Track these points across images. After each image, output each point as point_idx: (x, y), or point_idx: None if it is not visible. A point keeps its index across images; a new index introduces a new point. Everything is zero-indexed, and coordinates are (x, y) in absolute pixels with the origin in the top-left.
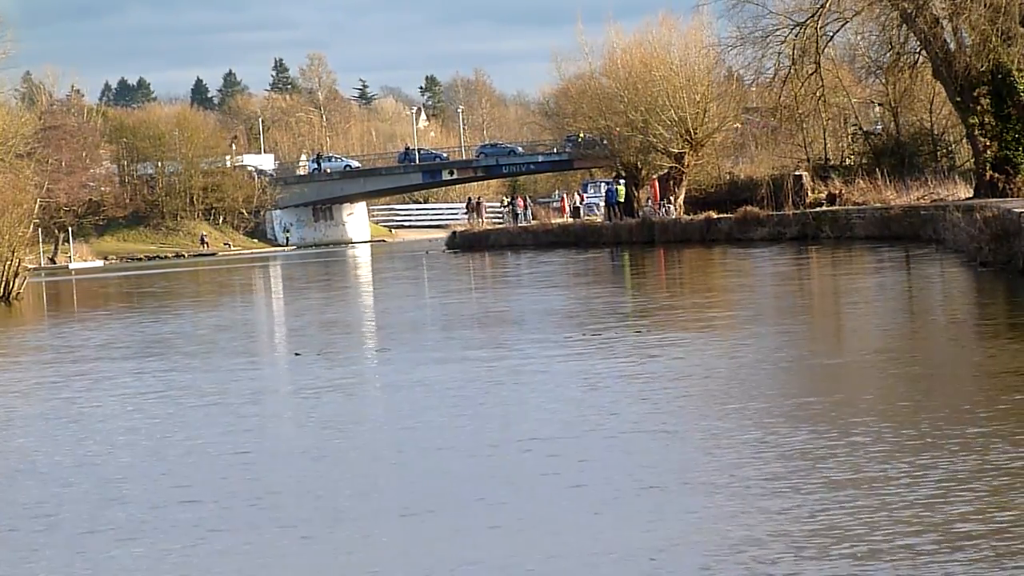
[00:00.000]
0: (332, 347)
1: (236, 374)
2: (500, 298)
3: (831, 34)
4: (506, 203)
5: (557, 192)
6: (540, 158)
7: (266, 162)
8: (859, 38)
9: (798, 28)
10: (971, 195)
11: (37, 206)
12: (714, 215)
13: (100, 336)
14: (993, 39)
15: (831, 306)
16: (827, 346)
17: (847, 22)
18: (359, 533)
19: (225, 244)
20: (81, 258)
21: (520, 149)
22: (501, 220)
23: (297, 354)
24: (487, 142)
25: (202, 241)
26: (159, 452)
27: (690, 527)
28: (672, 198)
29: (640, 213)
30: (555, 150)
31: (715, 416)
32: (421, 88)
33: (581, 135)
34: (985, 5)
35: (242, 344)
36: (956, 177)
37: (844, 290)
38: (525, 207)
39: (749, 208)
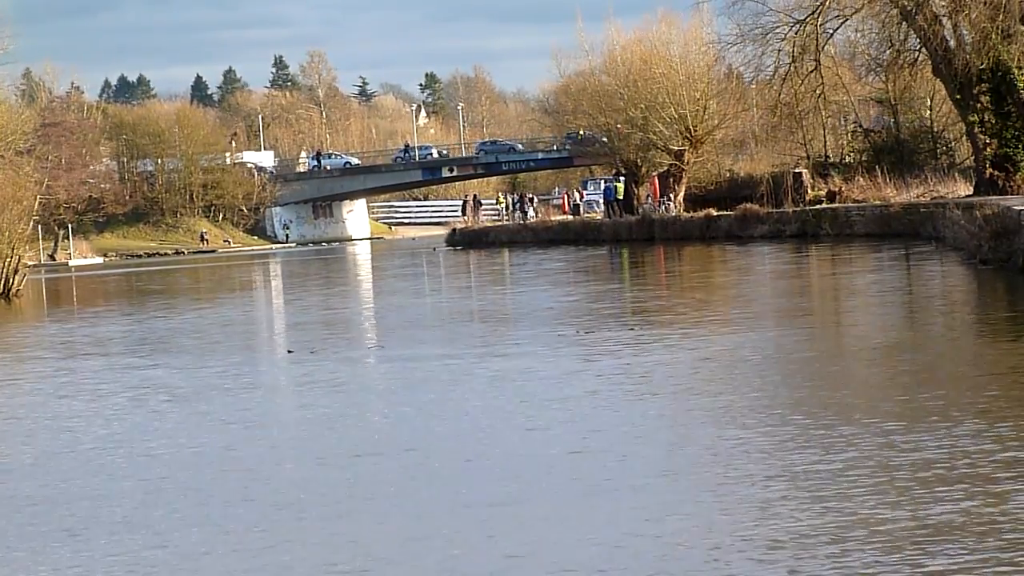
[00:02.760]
0: (326, 345)
1: (216, 371)
2: (499, 296)
3: (831, 31)
4: (514, 200)
5: (557, 190)
6: (540, 155)
7: (266, 159)
8: (859, 35)
9: (798, 25)
10: (971, 192)
11: (37, 203)
12: (714, 212)
13: (96, 333)
14: (993, 36)
15: (829, 304)
16: (822, 344)
17: (847, 19)
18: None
19: (225, 241)
20: (81, 255)
21: (520, 146)
22: (498, 217)
23: (290, 351)
24: (487, 139)
25: (202, 238)
26: (67, 447)
27: (550, 533)
28: (672, 195)
29: (640, 210)
30: (555, 147)
31: (644, 414)
32: (421, 85)
33: (581, 132)
34: (985, 3)
35: (236, 342)
36: (956, 175)
37: (843, 288)
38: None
39: (749, 205)
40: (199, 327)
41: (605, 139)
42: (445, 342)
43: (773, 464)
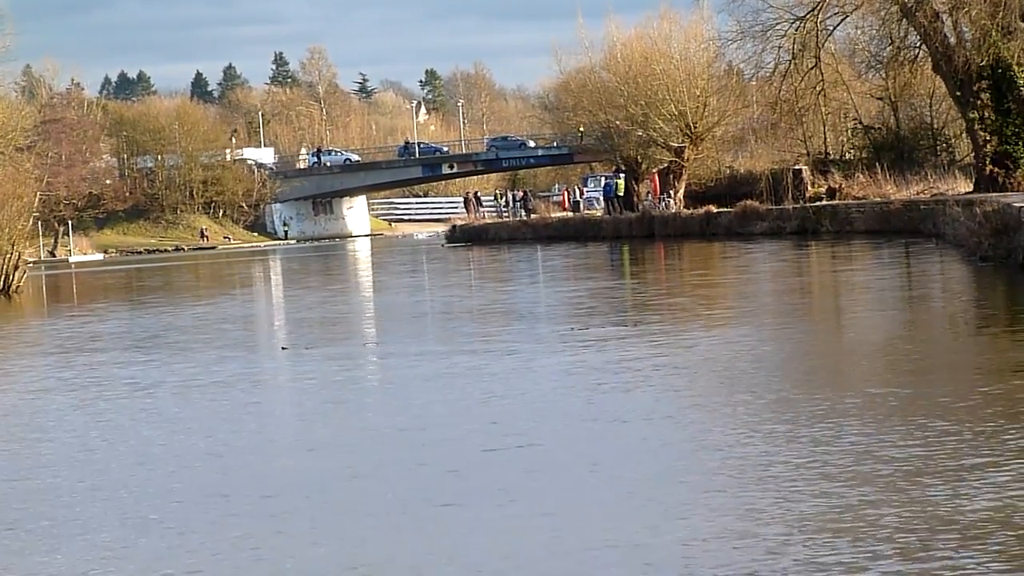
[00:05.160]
0: (321, 342)
1: (197, 368)
2: (498, 293)
3: (831, 28)
4: (514, 197)
5: (557, 186)
6: (540, 152)
7: (266, 156)
8: (859, 32)
9: (798, 22)
10: (971, 189)
11: (37, 199)
12: (714, 209)
13: (93, 329)
14: (993, 33)
15: (829, 301)
16: (819, 341)
17: (847, 16)
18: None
19: (225, 238)
20: (81, 251)
21: (532, 143)
22: (496, 213)
23: (284, 348)
24: (498, 135)
25: (202, 235)
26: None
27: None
28: (672, 192)
29: (640, 207)
30: (555, 144)
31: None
32: (421, 82)
33: (581, 129)
34: (985, 0)
35: (231, 338)
36: (956, 171)
37: (842, 284)
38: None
39: (749, 202)
40: (196, 324)
41: (599, 137)
42: (440, 339)
43: (691, 462)
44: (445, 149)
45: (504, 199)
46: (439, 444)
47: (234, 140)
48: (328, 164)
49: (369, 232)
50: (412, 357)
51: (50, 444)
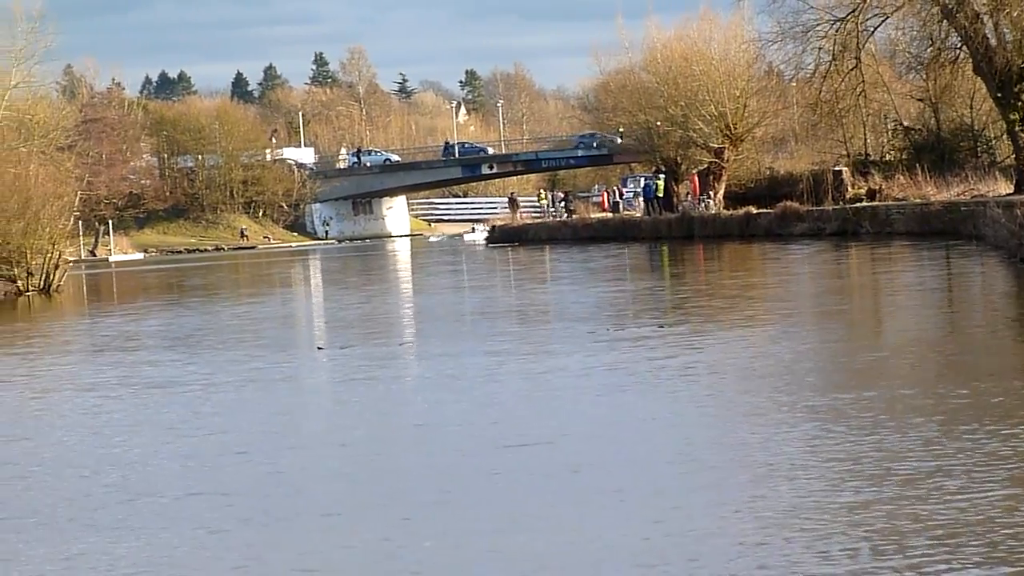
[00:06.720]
0: (357, 341)
1: (230, 366)
2: (537, 293)
3: (872, 29)
4: (555, 197)
5: (596, 187)
6: (580, 152)
7: (306, 155)
8: (900, 33)
9: (839, 23)
10: (1012, 191)
11: (77, 199)
12: (753, 210)
13: (129, 329)
14: None
15: (868, 303)
16: (850, 343)
17: (888, 17)
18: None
19: (265, 237)
20: (121, 251)
21: (619, 140)
22: (539, 215)
23: (320, 348)
24: (586, 131)
25: (242, 234)
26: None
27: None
28: (712, 193)
29: (679, 208)
30: (595, 144)
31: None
32: (461, 82)
33: (621, 129)
34: None
35: (267, 338)
36: (996, 173)
37: (882, 286)
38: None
39: (788, 203)
40: (234, 323)
41: (639, 137)
42: (475, 339)
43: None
44: (490, 150)
45: (548, 199)
46: (454, 442)
47: (274, 140)
48: (368, 164)
49: (409, 232)
50: (446, 357)
51: (60, 438)
